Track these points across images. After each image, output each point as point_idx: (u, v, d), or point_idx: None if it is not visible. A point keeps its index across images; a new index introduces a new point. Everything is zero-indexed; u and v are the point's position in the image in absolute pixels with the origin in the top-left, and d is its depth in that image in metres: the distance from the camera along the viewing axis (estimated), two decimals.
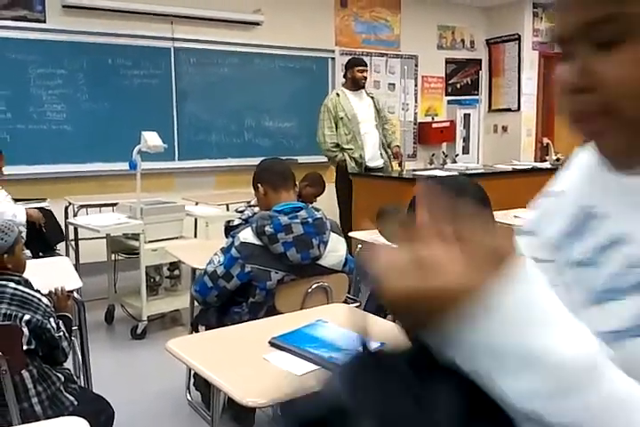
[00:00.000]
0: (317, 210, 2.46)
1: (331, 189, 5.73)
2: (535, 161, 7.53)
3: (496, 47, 8.02)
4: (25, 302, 1.95)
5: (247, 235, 2.32)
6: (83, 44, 5.37)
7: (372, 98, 5.98)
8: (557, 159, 6.69)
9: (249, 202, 4.18)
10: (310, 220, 2.37)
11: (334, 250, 2.47)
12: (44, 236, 4.29)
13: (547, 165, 6.65)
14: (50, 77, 5.27)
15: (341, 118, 5.83)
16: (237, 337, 1.97)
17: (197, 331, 2.88)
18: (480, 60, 8.07)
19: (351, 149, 5.80)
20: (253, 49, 6.25)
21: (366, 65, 6.01)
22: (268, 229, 2.28)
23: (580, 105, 0.60)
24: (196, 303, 3.29)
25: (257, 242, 2.30)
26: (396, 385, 0.51)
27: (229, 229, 4.71)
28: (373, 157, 5.98)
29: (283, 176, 2.54)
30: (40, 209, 4.36)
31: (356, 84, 5.91)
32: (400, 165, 6.02)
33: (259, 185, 2.55)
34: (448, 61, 7.85)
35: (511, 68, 7.89)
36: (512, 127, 7.95)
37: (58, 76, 5.30)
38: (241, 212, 3.87)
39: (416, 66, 7.55)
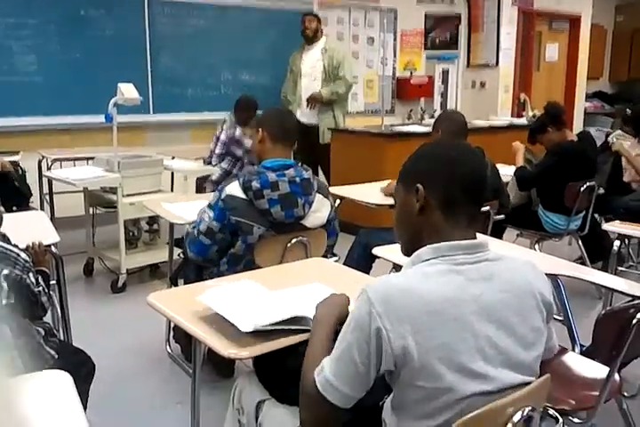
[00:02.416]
0: (307, 170, 2.45)
1: None
2: (512, 117, 7.55)
3: (475, 2, 7.91)
4: (3, 257, 1.94)
5: (233, 188, 2.33)
6: None
7: (324, 53, 5.83)
8: (534, 115, 6.72)
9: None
10: (298, 179, 2.36)
11: (317, 210, 2.47)
12: (19, 189, 4.23)
13: (523, 121, 6.68)
14: (20, 27, 5.09)
15: (292, 71, 5.95)
16: None
17: (176, 285, 2.90)
18: (459, 15, 7.97)
19: (290, 103, 5.92)
20: (230, 1, 6.10)
21: (312, 15, 5.96)
22: (254, 184, 2.28)
23: None
24: (174, 257, 3.32)
25: (243, 196, 2.31)
26: None
27: (210, 183, 4.69)
28: (305, 112, 5.86)
29: (287, 131, 2.49)
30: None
31: (304, 37, 5.88)
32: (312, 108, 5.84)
33: (260, 129, 2.47)
34: (427, 16, 7.74)
35: (490, 24, 7.81)
36: (490, 83, 7.93)
37: (28, 26, 5.13)
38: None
39: (395, 19, 7.44)
